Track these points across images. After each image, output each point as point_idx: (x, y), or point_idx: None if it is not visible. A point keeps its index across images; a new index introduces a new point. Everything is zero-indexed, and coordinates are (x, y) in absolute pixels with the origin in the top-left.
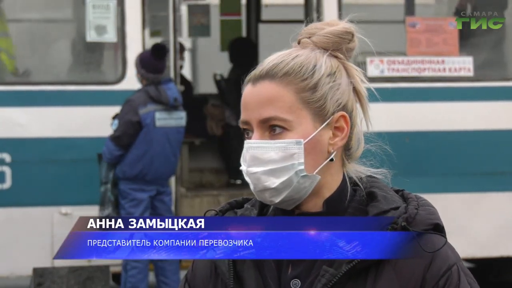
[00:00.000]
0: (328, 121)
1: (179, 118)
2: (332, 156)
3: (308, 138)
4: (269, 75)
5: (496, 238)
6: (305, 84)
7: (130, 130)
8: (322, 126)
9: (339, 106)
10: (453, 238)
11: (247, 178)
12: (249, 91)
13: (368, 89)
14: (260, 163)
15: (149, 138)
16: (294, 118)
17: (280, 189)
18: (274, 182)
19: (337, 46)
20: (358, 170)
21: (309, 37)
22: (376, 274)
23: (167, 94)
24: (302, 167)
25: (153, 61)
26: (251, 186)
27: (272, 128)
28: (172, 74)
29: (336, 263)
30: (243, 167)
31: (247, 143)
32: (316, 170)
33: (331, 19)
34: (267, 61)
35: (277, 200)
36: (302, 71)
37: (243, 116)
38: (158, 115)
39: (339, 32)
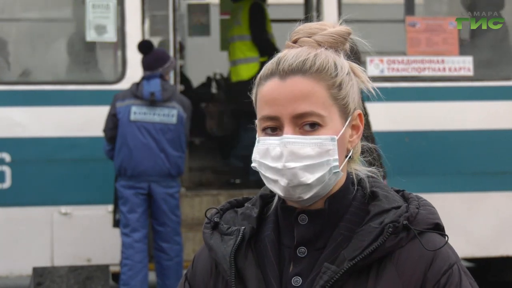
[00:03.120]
0: (349, 118)
1: (167, 115)
2: (350, 154)
3: (339, 134)
4: (301, 70)
5: (495, 237)
6: (333, 81)
7: (109, 124)
8: (347, 123)
9: (355, 105)
10: (452, 237)
11: (272, 175)
12: (277, 86)
13: (374, 89)
14: (297, 158)
15: (123, 132)
16: (327, 114)
17: (313, 185)
18: (309, 178)
19: (341, 46)
20: (356, 168)
21: (310, 37)
22: (378, 272)
23: (143, 88)
24: (337, 163)
25: (142, 57)
26: (283, 182)
27: (307, 124)
28: (171, 73)
29: (337, 261)
30: (271, 164)
31: (283, 138)
32: (341, 167)
33: (331, 21)
34: (291, 56)
35: (307, 196)
36: (329, 68)
37: (269, 112)
38: (134, 109)
39: (343, 32)
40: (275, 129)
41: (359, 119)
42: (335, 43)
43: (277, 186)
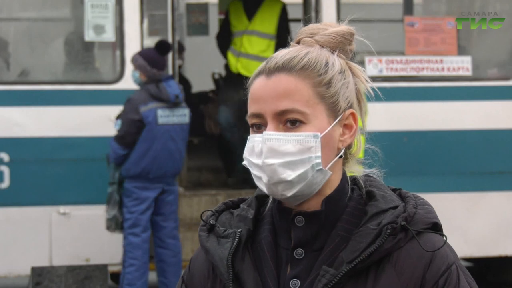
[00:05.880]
0: (340, 117)
1: (182, 115)
2: (341, 153)
3: (324, 132)
4: (286, 68)
5: (494, 237)
6: (321, 79)
7: (132, 129)
8: (336, 121)
9: (348, 104)
10: (451, 237)
11: (258, 172)
12: (263, 84)
13: (372, 89)
14: (277, 155)
15: (151, 136)
16: (311, 111)
17: (294, 183)
18: (290, 174)
19: (341, 46)
20: (355, 169)
21: (311, 37)
22: (377, 273)
23: (167, 91)
24: (319, 160)
25: (157, 56)
26: (264, 179)
27: (288, 121)
28: (170, 73)
29: (336, 263)
30: (254, 161)
31: (264, 135)
32: (328, 166)
33: (326, 19)
34: (280, 55)
35: (289, 194)
36: (317, 66)
37: (254, 109)
38: (160, 112)
39: (344, 32)
40: (261, 126)
41: (353, 119)
42: (335, 43)
43: (261, 182)
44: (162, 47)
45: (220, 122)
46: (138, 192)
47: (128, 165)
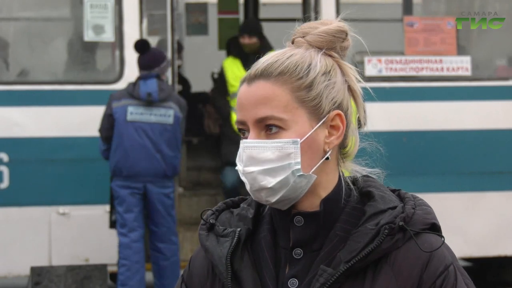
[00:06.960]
0: (323, 119)
1: (164, 115)
2: (328, 155)
3: (305, 137)
4: (264, 74)
5: (493, 237)
6: (300, 83)
7: (105, 124)
8: (318, 125)
9: (334, 105)
10: (450, 237)
11: (243, 178)
12: (244, 91)
13: (364, 89)
14: (256, 162)
15: (119, 132)
16: (290, 117)
17: (276, 189)
18: (270, 181)
19: (331, 45)
20: (354, 169)
21: (303, 36)
22: (374, 273)
23: (139, 88)
24: (299, 166)
25: (138, 56)
26: (247, 186)
27: (268, 127)
28: (170, 73)
29: (334, 263)
30: (239, 167)
31: (243, 143)
32: (313, 170)
33: (325, 18)
34: (262, 61)
35: (273, 200)
36: (297, 70)
37: (238, 116)
38: (130, 109)
39: (332, 31)
40: (245, 132)
41: (339, 119)
42: (325, 42)
43: (247, 188)
44: (139, 47)
45: (225, 184)
46: (118, 190)
47: (109, 162)
